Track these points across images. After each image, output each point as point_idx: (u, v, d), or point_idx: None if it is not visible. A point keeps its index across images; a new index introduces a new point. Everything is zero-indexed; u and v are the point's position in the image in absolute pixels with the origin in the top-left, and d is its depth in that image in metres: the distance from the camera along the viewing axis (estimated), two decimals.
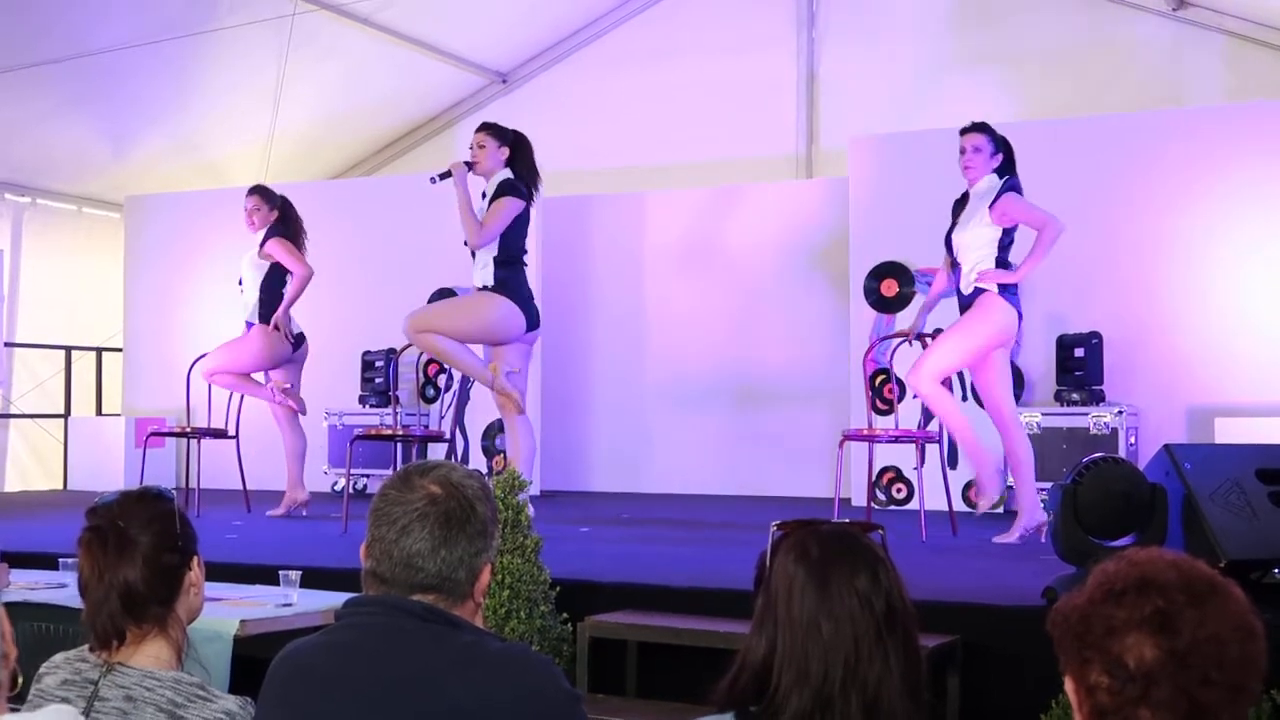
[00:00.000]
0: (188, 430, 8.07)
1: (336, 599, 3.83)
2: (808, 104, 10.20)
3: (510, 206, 6.57)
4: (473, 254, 6.73)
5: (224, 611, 3.83)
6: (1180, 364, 7.99)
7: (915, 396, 6.70)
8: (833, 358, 8.99)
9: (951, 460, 7.96)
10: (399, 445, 8.90)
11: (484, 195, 6.74)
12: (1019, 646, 3.95)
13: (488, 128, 6.77)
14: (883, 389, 8.28)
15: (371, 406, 9.66)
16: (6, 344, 9.84)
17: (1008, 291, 6.18)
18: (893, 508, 8.30)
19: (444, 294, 9.76)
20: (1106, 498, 4.15)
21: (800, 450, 8.99)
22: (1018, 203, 6.22)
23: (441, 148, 11.51)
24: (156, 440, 8.61)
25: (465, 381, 9.21)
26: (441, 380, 9.52)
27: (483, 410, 9.52)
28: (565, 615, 4.45)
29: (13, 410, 10.15)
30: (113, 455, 9.32)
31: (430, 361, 9.56)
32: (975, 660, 4.02)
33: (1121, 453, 7.45)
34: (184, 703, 2.34)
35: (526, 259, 6.78)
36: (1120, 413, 7.81)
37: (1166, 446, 4.27)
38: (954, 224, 6.40)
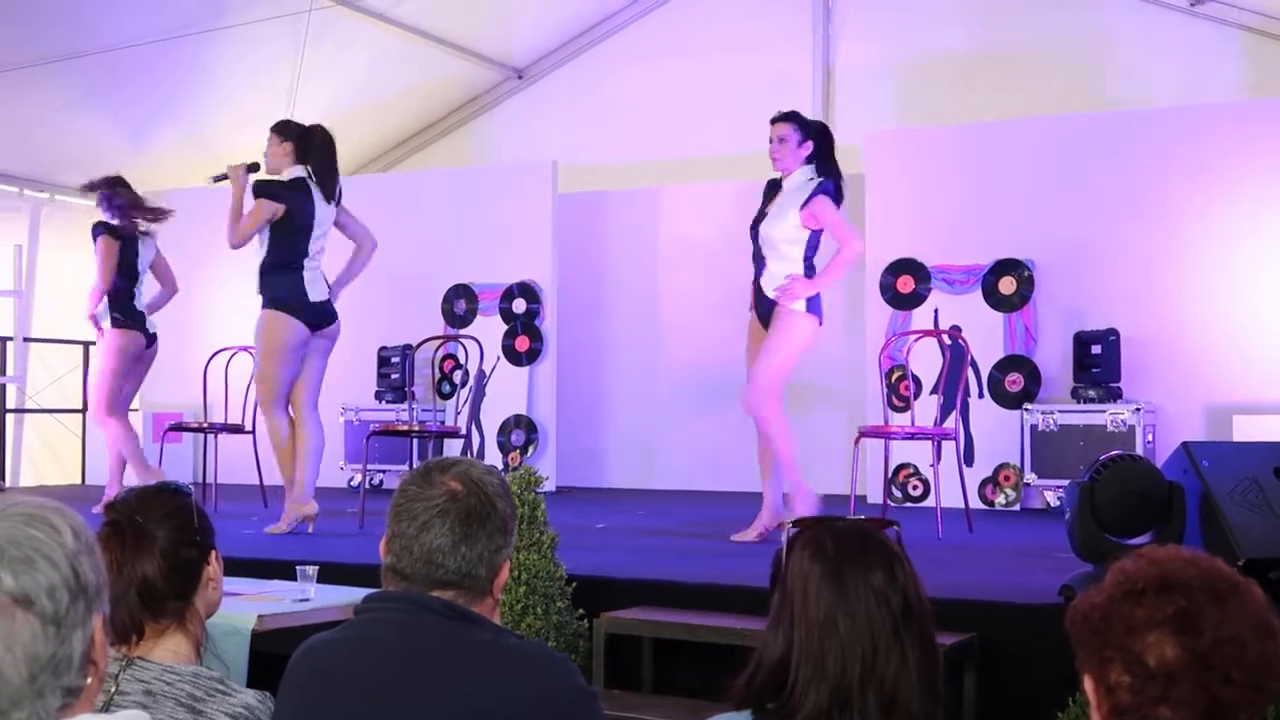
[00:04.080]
0: (205, 425, 8.09)
1: (353, 594, 3.84)
2: (823, 99, 10.19)
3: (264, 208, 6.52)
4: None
5: (242, 606, 3.84)
6: (1198, 361, 7.96)
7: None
8: (848, 354, 8.98)
9: (968, 458, 7.95)
10: (415, 441, 8.93)
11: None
12: (1035, 644, 3.94)
13: (276, 127, 6.72)
14: (899, 386, 8.27)
15: (388, 402, 9.67)
16: (25, 339, 9.87)
17: (811, 301, 6.10)
18: (909, 505, 8.29)
19: (460, 290, 9.78)
20: (1124, 496, 4.13)
21: (816, 447, 8.95)
22: (828, 208, 6.06)
23: (458, 143, 11.53)
24: (174, 435, 8.63)
25: (481, 377, 9.22)
26: (457, 376, 9.53)
27: (499, 406, 9.54)
28: (581, 611, 4.46)
29: (30, 405, 10.18)
30: None
31: (446, 357, 9.58)
32: (991, 658, 4.02)
33: (1139, 450, 7.43)
34: (204, 697, 2.34)
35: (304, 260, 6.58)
36: (1138, 410, 7.79)
37: (1185, 444, 4.25)
38: (763, 213, 6.25)
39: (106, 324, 7.57)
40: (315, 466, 6.60)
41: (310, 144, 6.60)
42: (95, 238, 7.60)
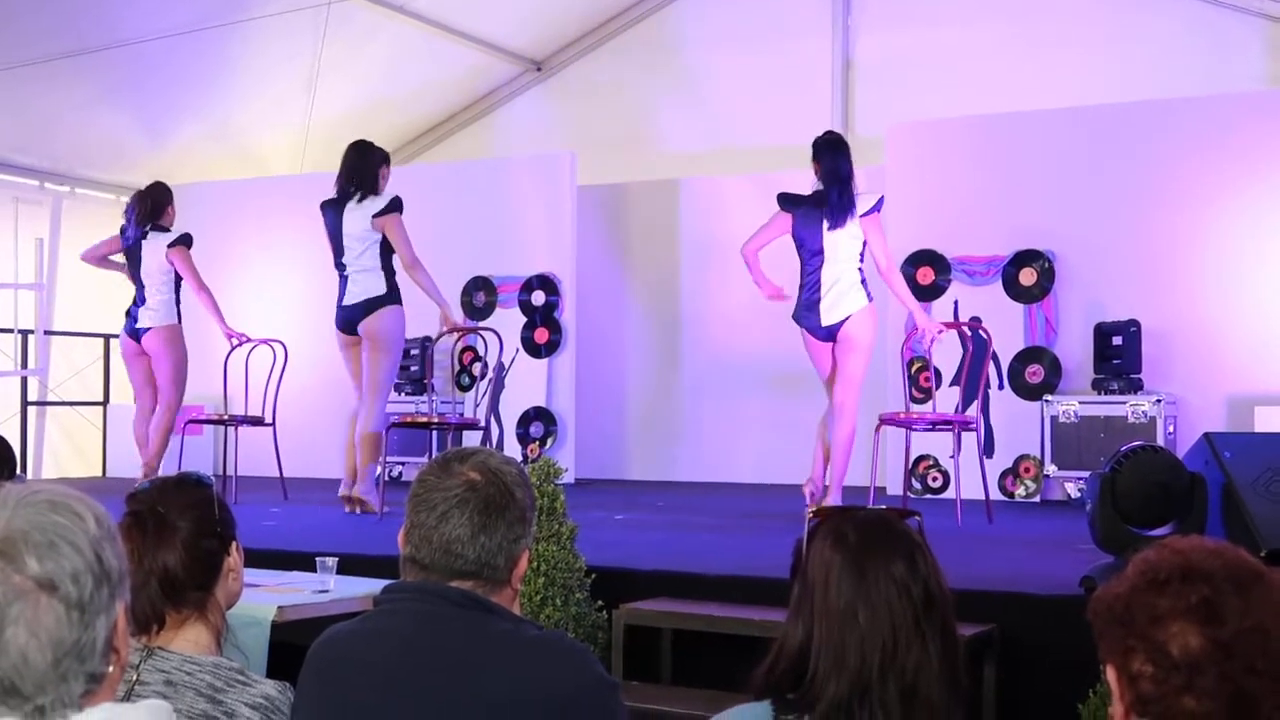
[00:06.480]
0: (225, 417, 8.11)
1: (373, 585, 3.85)
2: (844, 91, 10.16)
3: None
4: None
5: (262, 597, 3.85)
6: (1219, 352, 7.92)
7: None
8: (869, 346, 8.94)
9: (988, 449, 7.93)
10: (434, 433, 8.92)
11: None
12: (1056, 635, 3.93)
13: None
14: (919, 377, 8.25)
15: (407, 394, 9.68)
16: (46, 332, 9.92)
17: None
18: (928, 496, 8.27)
19: (480, 283, 9.78)
20: (1145, 486, 4.12)
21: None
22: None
23: (477, 135, 11.53)
24: (194, 427, 8.65)
25: (500, 370, 9.23)
26: (476, 368, 9.54)
27: (518, 398, 9.54)
28: (600, 603, 4.46)
29: (52, 398, 10.22)
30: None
31: (465, 349, 9.59)
32: (1012, 649, 4.01)
33: (1160, 441, 7.39)
34: (224, 687, 2.35)
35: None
36: (1159, 401, 7.75)
37: (1206, 435, 4.24)
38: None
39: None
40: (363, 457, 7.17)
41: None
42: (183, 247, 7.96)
